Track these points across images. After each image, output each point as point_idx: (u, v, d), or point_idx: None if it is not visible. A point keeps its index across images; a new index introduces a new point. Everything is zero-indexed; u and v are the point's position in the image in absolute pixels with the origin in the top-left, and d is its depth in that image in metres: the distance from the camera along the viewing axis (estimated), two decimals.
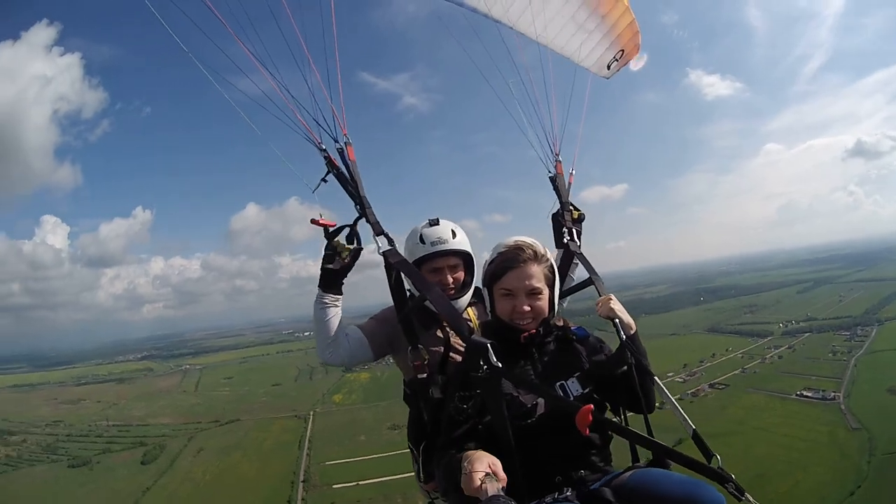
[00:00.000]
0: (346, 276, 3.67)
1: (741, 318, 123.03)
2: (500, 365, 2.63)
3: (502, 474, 2.24)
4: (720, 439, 59.62)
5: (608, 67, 5.64)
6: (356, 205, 3.67)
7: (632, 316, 3.31)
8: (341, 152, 3.68)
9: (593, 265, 4.10)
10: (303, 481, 73.24)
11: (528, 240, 3.04)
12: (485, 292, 3.10)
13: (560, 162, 4.73)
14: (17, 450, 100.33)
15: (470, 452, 2.41)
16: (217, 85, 3.55)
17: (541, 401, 2.73)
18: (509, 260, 2.91)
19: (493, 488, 2.12)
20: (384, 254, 3.54)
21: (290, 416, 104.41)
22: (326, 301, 3.63)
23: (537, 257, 2.92)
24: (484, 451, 2.44)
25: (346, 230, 3.68)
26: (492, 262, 3.02)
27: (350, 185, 3.67)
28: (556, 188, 4.64)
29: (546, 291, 2.92)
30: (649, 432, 2.94)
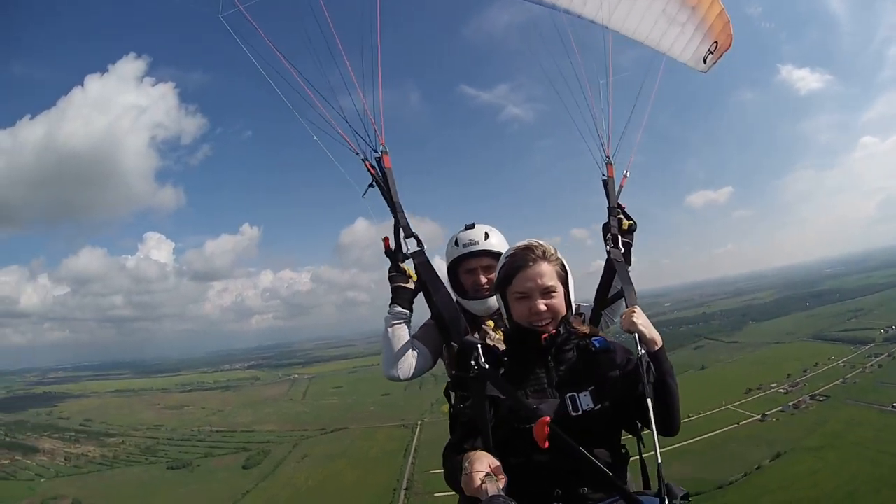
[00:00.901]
0: (416, 295, 3.75)
1: (845, 325, 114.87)
2: (486, 366, 2.68)
3: (503, 474, 2.27)
4: (815, 454, 60.94)
5: (704, 61, 5.55)
6: (390, 208, 3.83)
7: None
8: (379, 161, 3.86)
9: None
10: (405, 489, 72.15)
11: (536, 240, 2.95)
12: (498, 299, 2.99)
13: (611, 164, 4.46)
14: (113, 451, 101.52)
15: (470, 452, 2.42)
16: (285, 100, 4.02)
17: (544, 406, 2.60)
18: (519, 261, 2.82)
19: (493, 488, 2.15)
20: (412, 255, 3.69)
21: (397, 426, 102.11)
22: (401, 318, 3.69)
23: (546, 255, 2.83)
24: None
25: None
26: (501, 266, 2.93)
27: (384, 191, 3.84)
28: (606, 192, 4.37)
29: (560, 289, 2.83)
30: (643, 467, 2.83)
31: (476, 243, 3.82)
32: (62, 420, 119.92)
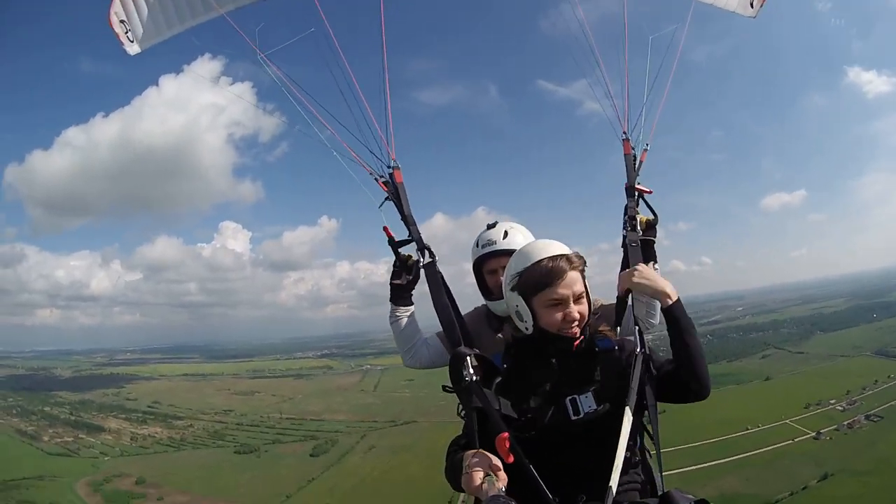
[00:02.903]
0: (412, 289, 3.84)
1: None
2: (475, 378, 2.68)
3: (503, 474, 2.29)
4: (860, 478, 59.34)
5: (752, 5, 5.23)
6: (403, 222, 3.82)
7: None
8: (391, 176, 3.86)
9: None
10: None
11: (555, 243, 2.92)
12: (520, 304, 2.84)
13: (628, 140, 4.22)
14: (181, 433, 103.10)
15: (470, 452, 2.46)
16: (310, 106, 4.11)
17: (540, 413, 2.64)
18: (554, 269, 2.74)
19: (493, 488, 2.18)
20: (423, 267, 3.67)
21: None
22: (398, 314, 3.85)
23: (575, 260, 2.79)
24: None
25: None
26: (527, 270, 2.80)
27: (397, 205, 3.82)
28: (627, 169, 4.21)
29: (586, 294, 2.82)
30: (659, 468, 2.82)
31: (494, 243, 3.80)
32: (129, 401, 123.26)
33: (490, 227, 3.91)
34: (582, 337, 2.74)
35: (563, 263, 2.69)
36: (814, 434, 73.36)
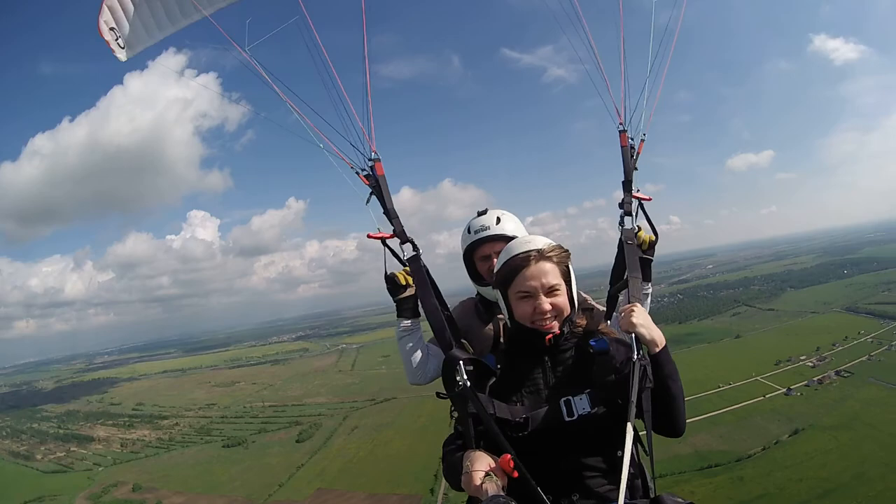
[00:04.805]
0: (415, 301, 3.59)
1: (878, 296, 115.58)
2: (469, 383, 2.65)
3: (502, 474, 2.31)
4: (830, 433, 62.20)
5: None
6: (386, 216, 3.70)
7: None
8: (372, 169, 3.74)
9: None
10: None
11: (540, 237, 2.91)
12: (498, 296, 2.93)
13: (625, 132, 4.05)
14: (168, 433, 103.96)
15: (470, 451, 2.49)
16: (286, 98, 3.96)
17: (534, 415, 2.62)
18: (520, 260, 2.76)
19: (494, 488, 2.19)
20: (407, 261, 3.57)
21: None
22: (409, 330, 3.59)
23: (549, 253, 2.77)
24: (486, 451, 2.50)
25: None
26: (503, 265, 2.85)
27: (380, 199, 3.71)
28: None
29: (563, 287, 2.77)
30: (648, 472, 2.79)
31: (487, 228, 3.76)
32: (113, 406, 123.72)
33: (481, 213, 3.90)
34: (559, 332, 2.73)
35: (535, 255, 2.71)
36: (784, 390, 76.52)
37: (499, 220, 3.77)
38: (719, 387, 79.71)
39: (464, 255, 3.91)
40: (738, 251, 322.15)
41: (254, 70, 3.79)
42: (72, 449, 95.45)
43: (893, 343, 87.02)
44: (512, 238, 3.44)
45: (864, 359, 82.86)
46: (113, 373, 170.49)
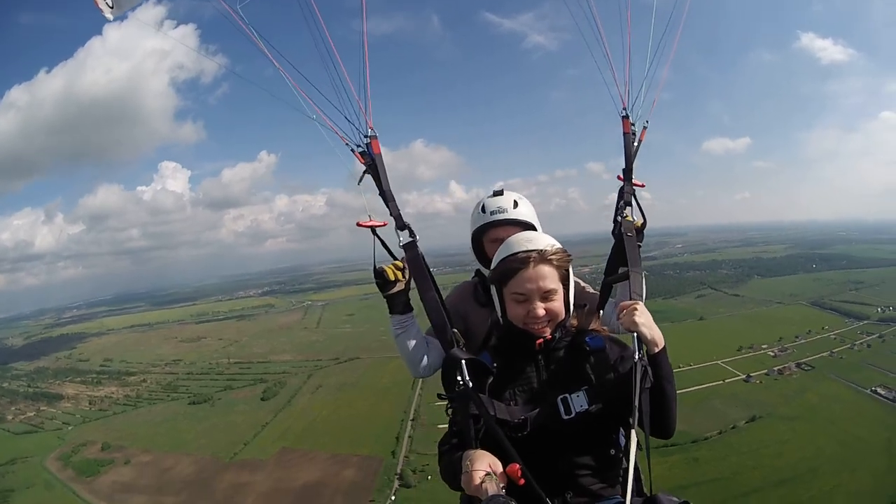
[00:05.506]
0: (409, 292, 3.48)
1: (845, 295, 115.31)
2: (470, 384, 2.63)
3: (502, 474, 2.29)
4: (788, 423, 63.33)
5: None
6: (381, 198, 3.53)
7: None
8: (368, 146, 3.53)
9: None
10: (412, 420, 75.38)
11: (543, 236, 2.84)
12: (494, 294, 2.86)
13: (627, 117, 3.95)
14: (135, 390, 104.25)
15: (470, 451, 2.43)
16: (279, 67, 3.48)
17: (532, 415, 2.59)
18: (520, 260, 2.67)
19: (493, 488, 2.16)
20: (403, 247, 3.43)
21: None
22: (404, 325, 3.47)
23: (550, 256, 2.69)
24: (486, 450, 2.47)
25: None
26: (501, 261, 2.77)
27: (375, 179, 3.53)
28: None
29: (560, 292, 2.72)
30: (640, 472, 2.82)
31: (504, 211, 3.68)
32: (82, 362, 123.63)
33: (497, 193, 3.79)
34: (550, 337, 2.70)
35: (535, 256, 2.63)
36: (745, 377, 77.18)
37: (516, 203, 3.70)
38: (679, 367, 75.79)
39: (473, 234, 3.81)
40: (709, 233, 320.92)
41: (235, 23, 3.39)
42: (41, 408, 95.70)
43: (856, 343, 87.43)
44: (526, 225, 3.60)
45: (825, 354, 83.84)
46: (82, 328, 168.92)
